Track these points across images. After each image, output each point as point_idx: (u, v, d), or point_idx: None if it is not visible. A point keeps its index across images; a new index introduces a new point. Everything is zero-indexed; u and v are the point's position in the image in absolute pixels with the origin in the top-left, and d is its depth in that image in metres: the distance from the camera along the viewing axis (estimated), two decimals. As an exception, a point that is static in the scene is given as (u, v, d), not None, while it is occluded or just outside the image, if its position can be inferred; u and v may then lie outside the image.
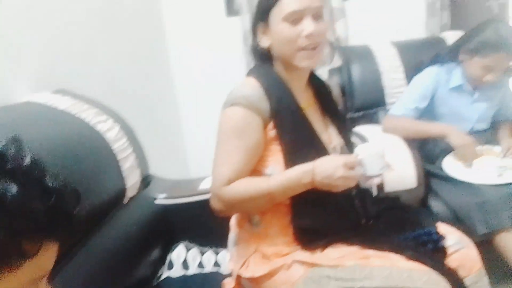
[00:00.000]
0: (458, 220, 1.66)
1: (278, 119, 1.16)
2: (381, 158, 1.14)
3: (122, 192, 1.35)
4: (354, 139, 1.75)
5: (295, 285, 1.15)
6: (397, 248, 1.14)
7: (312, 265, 1.14)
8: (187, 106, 2.71)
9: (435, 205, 1.78)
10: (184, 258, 1.46)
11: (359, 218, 1.26)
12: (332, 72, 2.35)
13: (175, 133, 2.71)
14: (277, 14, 1.16)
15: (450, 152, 1.83)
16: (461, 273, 1.15)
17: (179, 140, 2.74)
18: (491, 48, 1.74)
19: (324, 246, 1.19)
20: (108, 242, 1.24)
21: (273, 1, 1.16)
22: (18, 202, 0.50)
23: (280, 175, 1.13)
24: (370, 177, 1.16)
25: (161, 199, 1.54)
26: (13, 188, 0.51)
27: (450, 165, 1.80)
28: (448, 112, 1.94)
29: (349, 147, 1.31)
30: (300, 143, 1.17)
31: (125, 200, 1.39)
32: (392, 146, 1.82)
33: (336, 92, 1.42)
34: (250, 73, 1.25)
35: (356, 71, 2.26)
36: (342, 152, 1.27)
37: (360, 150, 1.15)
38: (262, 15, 1.20)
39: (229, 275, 1.34)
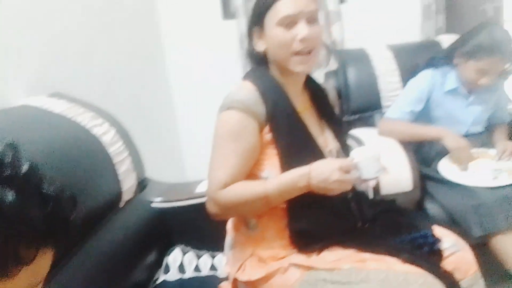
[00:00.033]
0: (453, 223, 1.67)
1: (274, 123, 1.16)
2: (377, 162, 1.15)
3: (118, 195, 1.35)
4: (350, 142, 1.76)
5: (291, 289, 1.14)
6: (393, 251, 1.15)
7: (309, 268, 1.14)
8: (184, 109, 2.71)
9: (431, 207, 1.79)
10: (181, 261, 1.46)
11: (355, 221, 1.26)
12: (328, 75, 2.36)
13: (171, 136, 2.70)
14: (271, 19, 1.16)
15: (446, 155, 1.84)
16: (457, 276, 1.15)
17: (175, 143, 2.74)
18: (486, 51, 1.75)
19: (321, 249, 1.18)
20: (104, 245, 1.24)
21: (268, 6, 1.16)
22: (15, 209, 0.50)
23: (276, 179, 1.14)
24: (366, 181, 1.17)
25: (157, 203, 1.54)
26: (10, 196, 0.51)
27: (446, 168, 1.80)
28: (443, 115, 1.94)
29: (345, 150, 1.31)
30: (296, 147, 1.18)
31: (121, 204, 1.39)
32: (388, 149, 1.82)
33: (332, 95, 1.43)
34: (246, 76, 1.26)
35: (352, 74, 2.26)
36: (338, 155, 1.28)
37: (356, 154, 1.15)
38: (257, 20, 1.20)
39: (226, 278, 1.33)
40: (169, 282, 1.40)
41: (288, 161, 1.15)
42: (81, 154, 1.22)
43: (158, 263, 1.46)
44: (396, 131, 1.93)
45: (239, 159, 1.14)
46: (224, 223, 1.34)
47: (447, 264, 1.17)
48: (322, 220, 1.19)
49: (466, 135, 1.90)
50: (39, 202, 0.54)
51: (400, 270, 1.09)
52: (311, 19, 1.16)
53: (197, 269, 1.45)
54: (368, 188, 1.31)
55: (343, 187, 1.11)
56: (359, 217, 1.27)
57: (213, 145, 1.18)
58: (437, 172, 1.80)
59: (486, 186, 1.67)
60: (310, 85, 1.32)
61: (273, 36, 1.17)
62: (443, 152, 1.84)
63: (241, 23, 2.46)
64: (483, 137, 1.97)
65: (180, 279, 1.41)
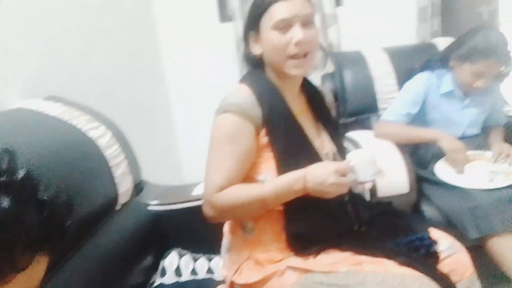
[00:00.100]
0: (450, 225, 1.67)
1: (271, 126, 1.17)
2: (373, 164, 1.15)
3: (114, 198, 1.35)
4: (346, 144, 1.76)
5: (288, 292, 1.14)
6: (389, 254, 1.15)
7: (305, 271, 1.14)
8: (181, 112, 2.71)
9: (427, 210, 1.79)
10: (177, 265, 1.46)
11: (351, 224, 1.26)
12: (324, 77, 2.37)
13: (168, 139, 2.70)
14: (266, 22, 1.17)
15: (442, 157, 1.84)
16: (454, 278, 1.16)
17: (172, 146, 2.74)
18: (481, 54, 1.76)
19: (317, 252, 1.19)
20: (100, 249, 1.23)
21: (263, 10, 1.17)
22: (11, 215, 0.50)
23: (272, 182, 1.14)
24: (362, 183, 1.17)
25: (154, 205, 1.54)
26: (6, 202, 0.51)
27: (442, 170, 1.81)
28: (439, 117, 1.95)
29: (341, 153, 1.31)
30: (292, 150, 1.18)
31: (118, 207, 1.38)
32: (384, 152, 1.82)
33: (328, 97, 1.43)
34: (242, 80, 1.26)
35: (349, 77, 2.27)
36: (334, 158, 1.28)
37: (352, 156, 1.15)
38: (252, 23, 1.21)
39: (222, 282, 1.33)
40: (166, 285, 1.40)
41: (285, 164, 1.15)
42: (77, 157, 1.22)
43: (154, 266, 1.46)
44: (392, 134, 1.93)
45: (236, 162, 1.14)
46: (220, 226, 1.34)
47: (444, 266, 1.18)
48: (318, 223, 1.19)
49: (462, 138, 1.91)
50: (35, 208, 0.54)
51: (397, 273, 1.09)
52: (307, 23, 1.16)
53: (193, 272, 1.45)
54: (364, 191, 1.31)
55: (339, 190, 1.11)
56: (355, 220, 1.27)
57: (210, 148, 1.18)
58: (434, 174, 1.81)
59: (482, 188, 1.67)
60: (307, 87, 1.32)
61: (269, 40, 1.17)
62: (439, 155, 1.84)
63: (237, 26, 2.46)
64: (479, 139, 1.98)
65: (177, 283, 1.41)
